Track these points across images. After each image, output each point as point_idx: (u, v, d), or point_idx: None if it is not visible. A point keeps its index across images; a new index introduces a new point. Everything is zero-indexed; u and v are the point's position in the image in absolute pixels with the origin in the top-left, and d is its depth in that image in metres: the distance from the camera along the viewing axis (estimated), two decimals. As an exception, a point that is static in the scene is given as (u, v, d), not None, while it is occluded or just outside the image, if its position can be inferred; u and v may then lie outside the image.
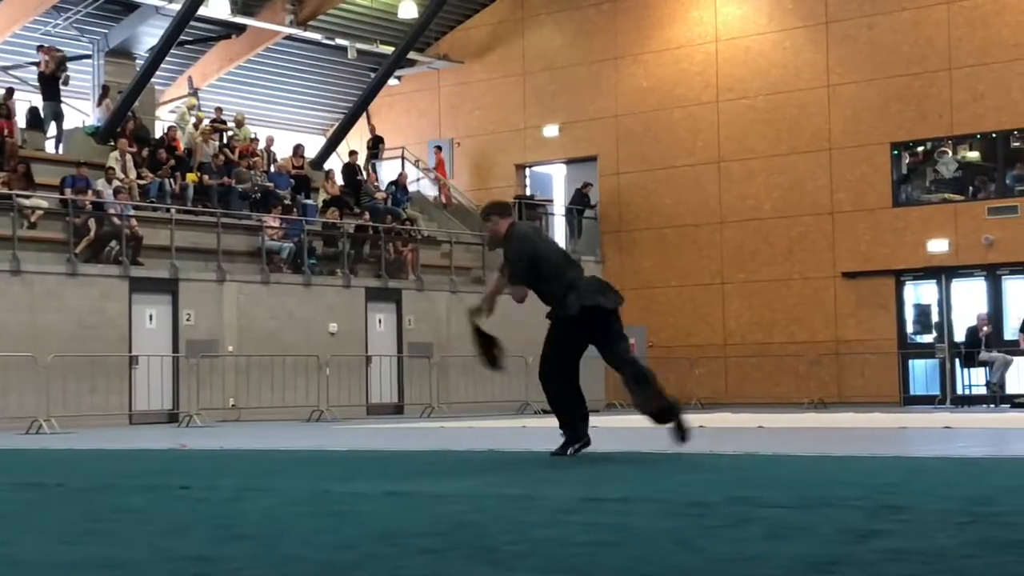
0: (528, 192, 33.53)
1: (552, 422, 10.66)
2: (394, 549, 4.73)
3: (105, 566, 4.48)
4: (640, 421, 10.20)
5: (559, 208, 33.33)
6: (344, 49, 32.83)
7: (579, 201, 32.16)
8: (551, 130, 33.38)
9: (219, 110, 30.75)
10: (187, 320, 23.66)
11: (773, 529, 5.11)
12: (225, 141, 28.97)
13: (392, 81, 33.41)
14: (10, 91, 26.56)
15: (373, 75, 32.75)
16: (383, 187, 31.01)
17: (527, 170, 34.38)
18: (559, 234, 32.82)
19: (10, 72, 29.26)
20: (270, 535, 5.23)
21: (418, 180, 33.73)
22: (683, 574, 4.12)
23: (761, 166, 30.36)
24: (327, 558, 4.54)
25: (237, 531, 5.37)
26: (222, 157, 27.80)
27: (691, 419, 10.14)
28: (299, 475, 9.14)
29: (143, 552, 4.80)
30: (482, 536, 5.08)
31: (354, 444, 13.06)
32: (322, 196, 29.02)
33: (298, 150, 30.22)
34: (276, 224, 26.29)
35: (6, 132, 25.05)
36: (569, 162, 33.82)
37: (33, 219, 23.12)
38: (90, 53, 30.15)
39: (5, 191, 22.92)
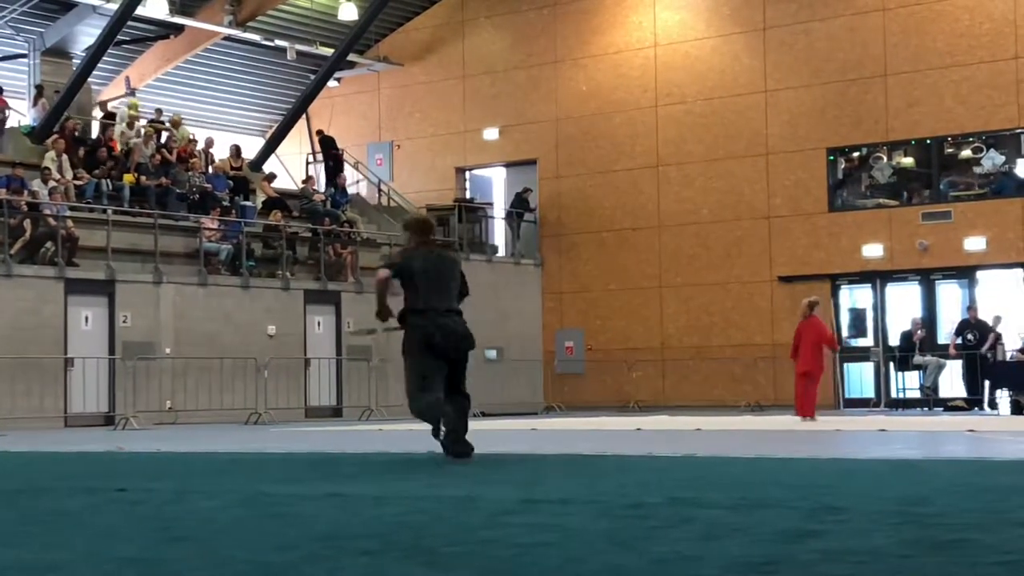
0: (468, 195, 33.53)
1: (488, 424, 10.66)
2: (332, 551, 4.73)
3: (42, 569, 4.44)
4: (579, 423, 10.22)
5: (499, 211, 33.36)
6: (283, 50, 32.67)
7: (519, 204, 32.21)
8: (491, 133, 33.39)
9: (159, 111, 30.49)
10: (124, 322, 23.44)
11: (711, 530, 5.16)
12: (163, 141, 28.73)
13: (332, 83, 33.30)
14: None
15: (313, 77, 32.63)
16: (321, 189, 30.89)
17: (467, 173, 34.36)
18: (499, 237, 32.84)
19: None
20: (208, 537, 5.21)
21: (357, 182, 33.63)
22: (621, 574, 4.13)
23: (699, 170, 30.54)
24: (266, 559, 4.53)
25: (175, 533, 5.34)
26: (159, 158, 27.59)
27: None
28: (238, 478, 9.09)
29: (80, 555, 4.76)
30: (421, 537, 5.08)
31: (293, 447, 13.01)
32: (260, 198, 28.87)
33: (236, 151, 30.04)
34: (214, 226, 26.12)
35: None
36: (509, 165, 33.84)
37: (-32, 220, 22.84)
38: (26, 52, 29.79)
39: (-62, 191, 22.62)
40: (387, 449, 12.28)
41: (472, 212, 31.78)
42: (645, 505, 6.19)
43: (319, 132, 32.74)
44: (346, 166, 33.07)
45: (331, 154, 32.12)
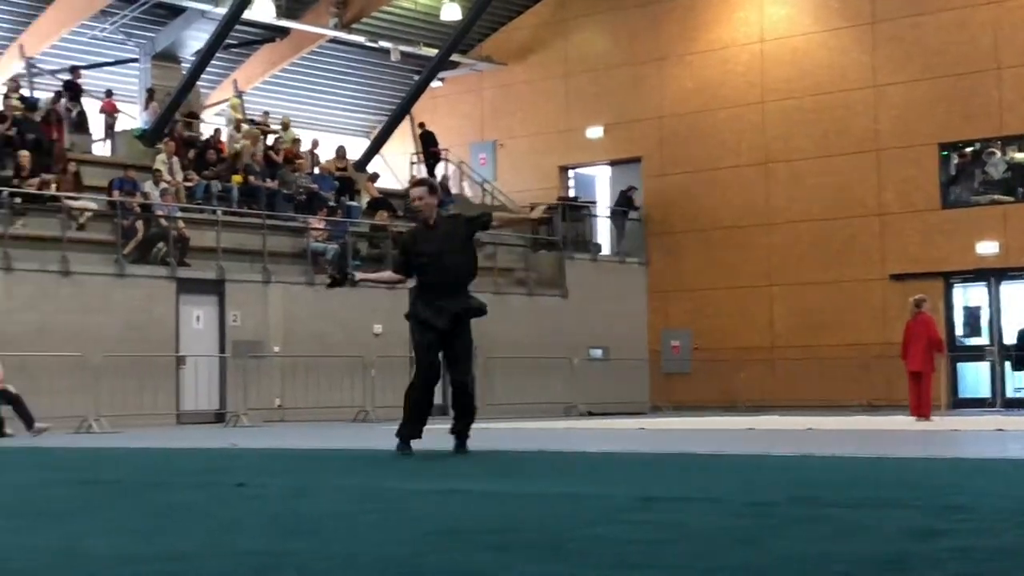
0: (571, 194, 33.47)
1: (596, 424, 10.59)
2: (455, 545, 4.70)
3: (170, 559, 4.48)
4: (688, 423, 10.11)
5: (603, 210, 33.25)
6: (387, 51, 32.90)
7: (623, 203, 32.07)
8: (595, 132, 33.30)
9: (266, 114, 30.86)
10: (233, 321, 23.74)
11: (836, 528, 5.05)
12: (271, 143, 29.06)
13: (435, 83, 33.43)
14: (58, 95, 26.77)
15: (416, 77, 32.79)
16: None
17: (570, 172, 34.31)
18: (603, 236, 32.73)
19: (57, 76, 29.48)
20: (329, 531, 5.21)
21: (461, 182, 33.72)
22: (748, 571, 4.06)
23: (808, 167, 30.17)
24: (389, 553, 4.51)
25: (296, 527, 5.35)
26: (266, 159, 27.90)
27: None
28: (352, 473, 9.13)
29: (204, 547, 4.78)
30: (542, 532, 5.05)
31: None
32: (365, 198, 29.08)
33: (341, 152, 30.29)
34: (321, 226, 26.35)
35: (55, 136, 25.24)
36: (613, 164, 33.74)
37: (82, 221, 23.29)
38: (137, 57, 30.34)
39: (54, 193, 23.08)
40: (495, 447, 12.25)
41: (576, 211, 31.70)
42: (765, 504, 6.09)
43: (421, 124, 32.83)
44: (449, 166, 33.20)
45: (430, 151, 32.23)
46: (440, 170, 32.71)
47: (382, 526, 5.38)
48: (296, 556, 4.46)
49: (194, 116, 29.32)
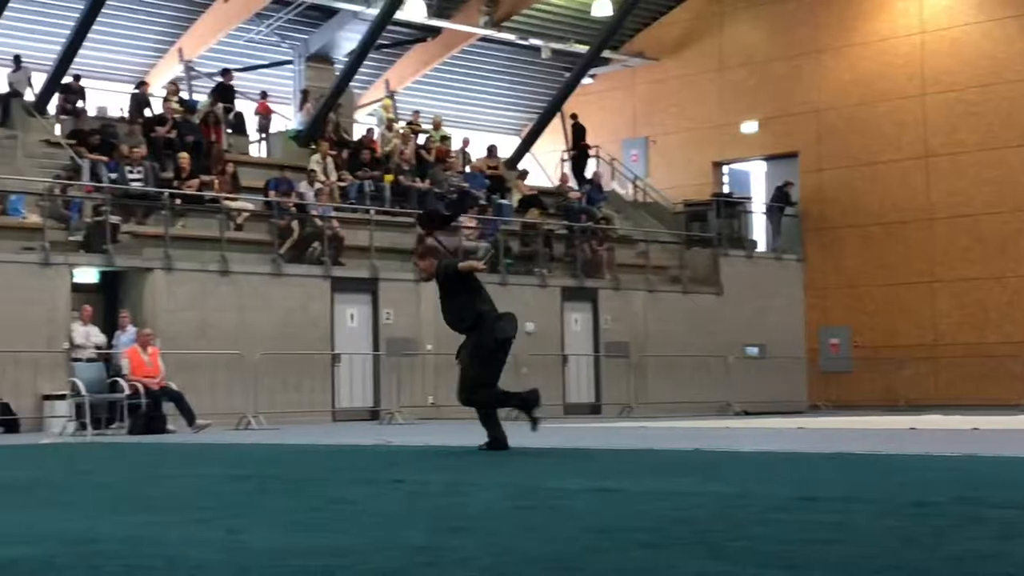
0: (726, 190, 33.10)
1: (752, 423, 10.39)
2: (613, 543, 4.68)
3: (332, 553, 4.50)
4: (847, 422, 9.86)
5: (758, 206, 32.82)
6: (538, 49, 32.92)
7: (780, 199, 31.60)
8: (750, 126, 32.90)
9: (416, 113, 31.13)
10: (387, 319, 23.96)
11: (1005, 529, 4.91)
12: (422, 143, 29.29)
13: (586, 80, 33.34)
14: (213, 97, 27.31)
15: (567, 74, 32.74)
16: (577, 186, 30.95)
17: (725, 167, 33.95)
18: (759, 232, 32.30)
19: (214, 78, 30.10)
20: (488, 528, 5.20)
21: (613, 179, 33.58)
22: (915, 572, 3.92)
23: (971, 160, 29.37)
24: (547, 551, 4.49)
25: (455, 523, 5.36)
26: (418, 158, 28.11)
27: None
28: (507, 471, 9.12)
29: (367, 541, 4.82)
30: (699, 532, 4.99)
31: (556, 442, 12.99)
32: (516, 196, 29.12)
33: (492, 151, 30.39)
34: (472, 224, 26.46)
35: (213, 137, 25.77)
36: (769, 159, 33.30)
37: (239, 221, 23.73)
38: (291, 59, 30.84)
39: (213, 194, 23.56)
40: (650, 446, 12.12)
41: (730, 207, 31.32)
42: (930, 504, 5.94)
43: (573, 116, 32.66)
44: (601, 163, 33.09)
45: (579, 145, 32.14)
46: (592, 166, 32.60)
47: (540, 524, 5.37)
48: (457, 552, 4.47)
49: (347, 117, 29.69)
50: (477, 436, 11.49)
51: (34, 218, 21.06)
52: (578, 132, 32.30)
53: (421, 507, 6.24)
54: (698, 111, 33.71)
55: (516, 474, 8.76)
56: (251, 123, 28.91)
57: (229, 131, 27.14)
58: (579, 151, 32.21)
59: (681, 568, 4.05)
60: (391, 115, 30.22)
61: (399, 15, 28.71)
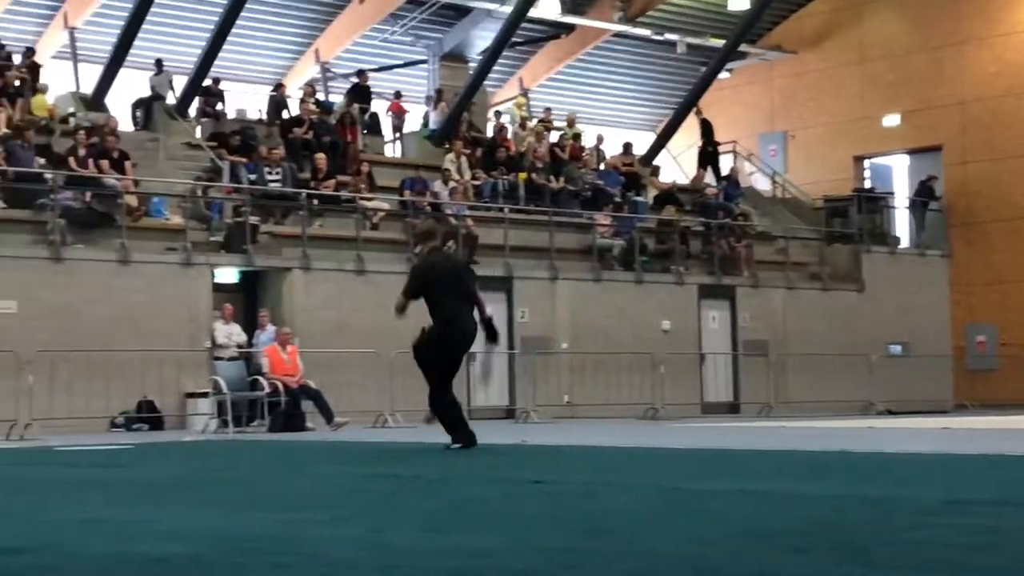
0: (867, 185, 32.45)
1: (896, 423, 10.07)
2: (759, 547, 4.57)
3: (472, 554, 4.47)
4: (996, 422, 9.51)
5: (901, 201, 32.11)
6: (673, 44, 32.64)
7: (923, 193, 30.86)
8: (891, 120, 32.23)
9: (548, 110, 31.07)
10: (521, 318, 23.92)
11: None
12: (556, 140, 29.20)
13: (722, 74, 32.94)
14: (349, 98, 27.54)
15: (703, 69, 32.39)
16: (714, 182, 30.58)
17: (866, 162, 33.30)
18: (902, 228, 31.60)
19: (350, 79, 30.39)
20: (629, 530, 5.09)
21: (750, 175, 33.14)
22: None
23: None
24: (692, 553, 4.40)
25: (595, 525, 5.27)
26: (552, 156, 28.03)
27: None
28: (646, 472, 9.00)
29: (507, 542, 4.76)
30: (849, 536, 4.86)
31: (695, 443, 12.80)
32: (652, 193, 28.88)
33: (627, 148, 30.17)
34: (607, 222, 26.30)
35: (349, 138, 26.00)
36: (911, 152, 32.62)
37: (375, 220, 23.90)
38: (426, 58, 31.02)
39: (349, 194, 23.76)
40: (792, 447, 11.85)
41: (872, 202, 30.68)
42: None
43: (697, 111, 32.22)
44: (739, 158, 32.69)
45: (707, 140, 31.70)
46: (727, 162, 32.18)
47: (682, 525, 5.28)
48: (598, 554, 4.41)
49: (480, 115, 29.73)
50: (614, 436, 11.42)
51: (176, 219, 21.45)
52: (705, 128, 31.88)
53: (560, 508, 6.16)
54: (838, 105, 33.12)
55: (656, 475, 8.63)
56: (385, 123, 29.12)
57: (364, 131, 27.36)
58: (706, 146, 31.76)
59: (830, 574, 3.94)
60: (524, 113, 30.19)
61: (533, 12, 28.68)
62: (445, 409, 11.48)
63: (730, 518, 5.57)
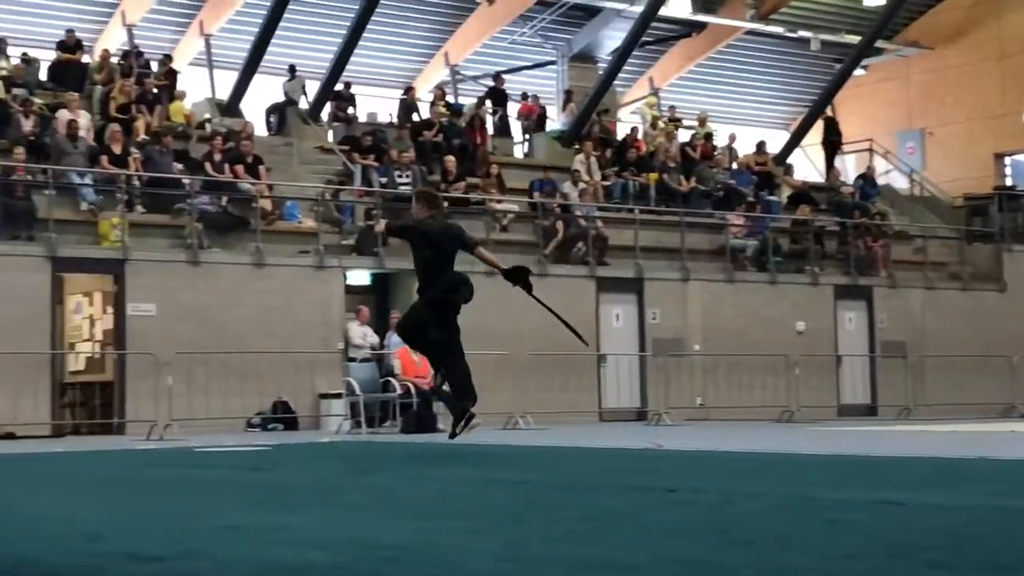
0: (1009, 182, 31.58)
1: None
2: (902, 564, 4.41)
3: (611, 567, 4.41)
4: None
5: (1044, 198, 31.22)
6: (807, 41, 32.14)
7: (1069, 191, 29.94)
8: (1035, 115, 31.38)
9: (671, 108, 30.81)
10: (653, 319, 23.74)
11: None
12: (687, 140, 28.92)
13: (858, 71, 32.32)
14: (480, 100, 27.62)
15: (837, 66, 31.81)
16: (850, 181, 30.02)
17: (1007, 159, 32.41)
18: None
19: (479, 82, 30.51)
20: (770, 543, 4.97)
21: (887, 172, 32.48)
22: None
23: None
24: (833, 570, 4.23)
25: (733, 537, 5.17)
26: (683, 156, 27.77)
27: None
28: (781, 479, 8.82)
29: (645, 555, 4.70)
30: (994, 551, 4.72)
31: (832, 448, 12.53)
32: (785, 192, 28.46)
33: (760, 147, 29.77)
34: (739, 222, 25.99)
35: (479, 140, 26.07)
36: (1054, 149, 31.70)
37: (505, 222, 23.93)
38: (555, 59, 30.99)
39: (479, 196, 23.82)
40: (932, 453, 11.54)
41: (1013, 200, 29.85)
42: None
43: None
44: (875, 156, 32.08)
45: (829, 141, 31.09)
46: (863, 160, 31.58)
47: (821, 539, 5.17)
48: (739, 570, 4.30)
49: (610, 116, 29.59)
50: (748, 439, 11.21)
51: (309, 223, 21.71)
52: (829, 125, 31.29)
53: (697, 518, 6.07)
54: (977, 101, 32.32)
55: (790, 483, 8.46)
56: (514, 125, 29.14)
57: (493, 133, 27.40)
58: (830, 144, 31.16)
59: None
60: (655, 113, 29.97)
61: (663, 11, 28.45)
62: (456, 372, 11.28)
63: (869, 531, 5.44)
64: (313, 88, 26.13)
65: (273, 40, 24.87)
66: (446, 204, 22.98)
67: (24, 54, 23.91)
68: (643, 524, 5.85)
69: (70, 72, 23.63)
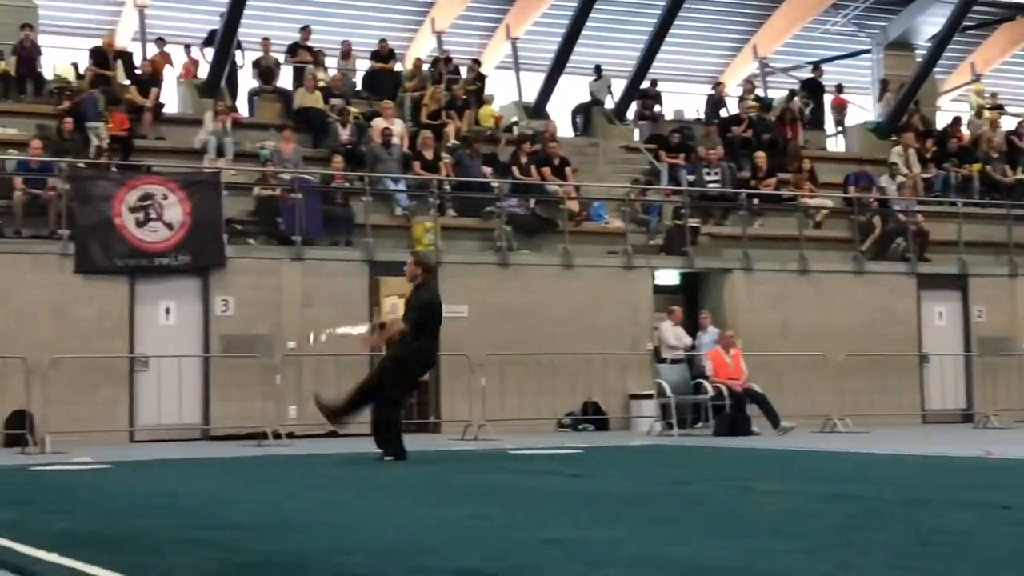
0: None
1: None
2: None
3: None
4: None
5: None
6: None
7: None
8: None
9: (995, 95, 29.20)
10: (978, 317, 22.55)
11: None
12: (1013, 128, 27.34)
13: None
14: (792, 93, 26.79)
15: None
16: None
17: None
18: None
19: (789, 74, 29.75)
20: None
21: None
22: None
23: None
24: None
25: None
26: (1008, 145, 26.28)
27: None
28: None
29: None
30: None
31: None
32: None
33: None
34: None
35: (789, 134, 25.37)
36: None
37: (818, 219, 23.20)
38: (869, 48, 29.93)
39: (791, 192, 23.19)
40: None
41: None
42: None
43: None
44: None
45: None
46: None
47: None
48: None
49: (929, 104, 28.31)
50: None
51: (616, 223, 21.57)
52: None
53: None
54: None
55: None
56: (827, 117, 28.23)
57: (806, 126, 26.59)
58: None
59: None
60: (983, 100, 28.45)
61: (984, -5, 27.07)
62: (398, 423, 12.47)
63: None
64: (619, 87, 26.02)
65: (579, 40, 24.88)
66: (756, 202, 22.64)
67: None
68: (976, 549, 5.37)
69: (384, 80, 24.27)
